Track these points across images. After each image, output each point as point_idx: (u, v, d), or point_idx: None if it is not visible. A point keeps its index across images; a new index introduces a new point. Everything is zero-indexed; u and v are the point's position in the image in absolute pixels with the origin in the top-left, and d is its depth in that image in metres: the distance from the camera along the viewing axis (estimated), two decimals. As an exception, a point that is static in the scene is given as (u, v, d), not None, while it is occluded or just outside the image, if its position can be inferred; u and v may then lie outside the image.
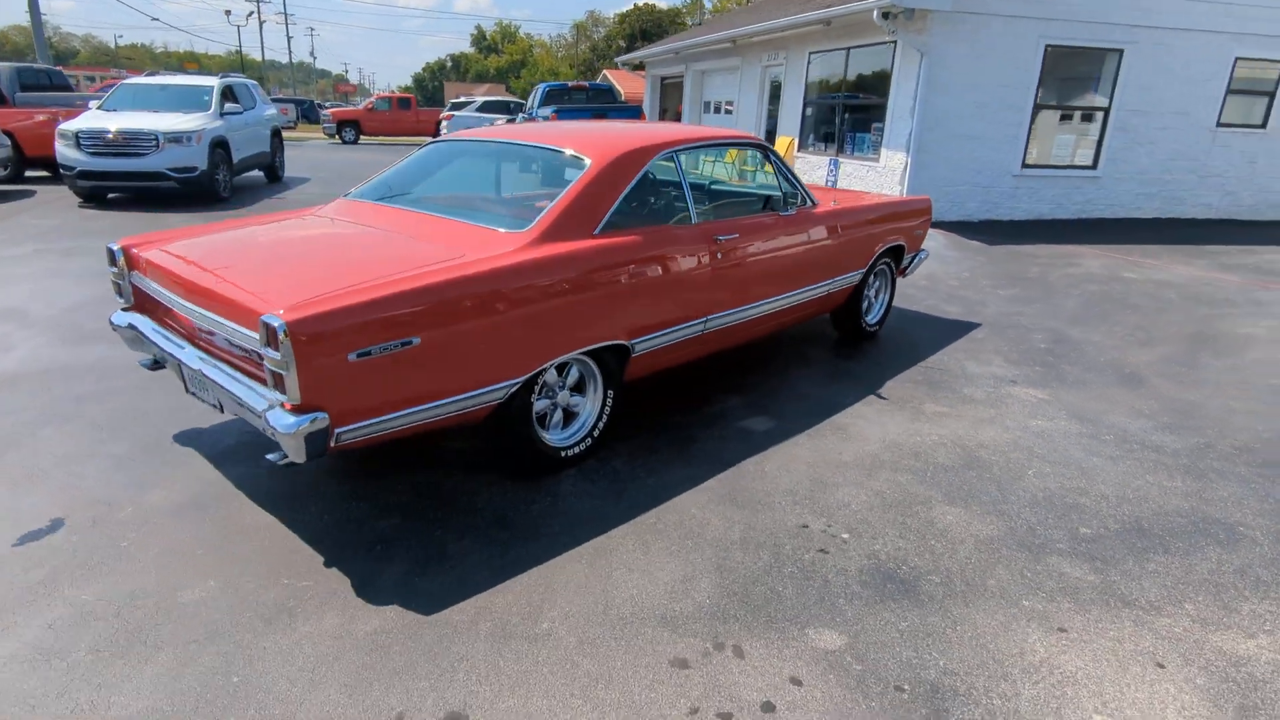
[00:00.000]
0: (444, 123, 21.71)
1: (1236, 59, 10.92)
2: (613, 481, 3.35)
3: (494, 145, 4.18)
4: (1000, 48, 9.84)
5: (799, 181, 4.59)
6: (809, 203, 4.58)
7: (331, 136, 26.34)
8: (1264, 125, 11.54)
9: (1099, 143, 10.82)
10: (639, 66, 20.99)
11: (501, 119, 19.14)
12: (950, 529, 3.07)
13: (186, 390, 3.11)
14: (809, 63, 12.17)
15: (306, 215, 3.84)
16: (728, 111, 15.75)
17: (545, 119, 12.50)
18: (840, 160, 11.57)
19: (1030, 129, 10.36)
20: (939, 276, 7.65)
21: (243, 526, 2.91)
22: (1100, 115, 10.73)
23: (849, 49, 11.17)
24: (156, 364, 3.39)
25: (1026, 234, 10.08)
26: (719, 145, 4.24)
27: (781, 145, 14.09)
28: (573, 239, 3.26)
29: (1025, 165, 10.54)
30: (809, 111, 12.48)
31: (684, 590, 2.63)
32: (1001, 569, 2.82)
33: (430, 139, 4.04)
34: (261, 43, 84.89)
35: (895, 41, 9.90)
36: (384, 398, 2.70)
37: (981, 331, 5.85)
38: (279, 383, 2.48)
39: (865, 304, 5.39)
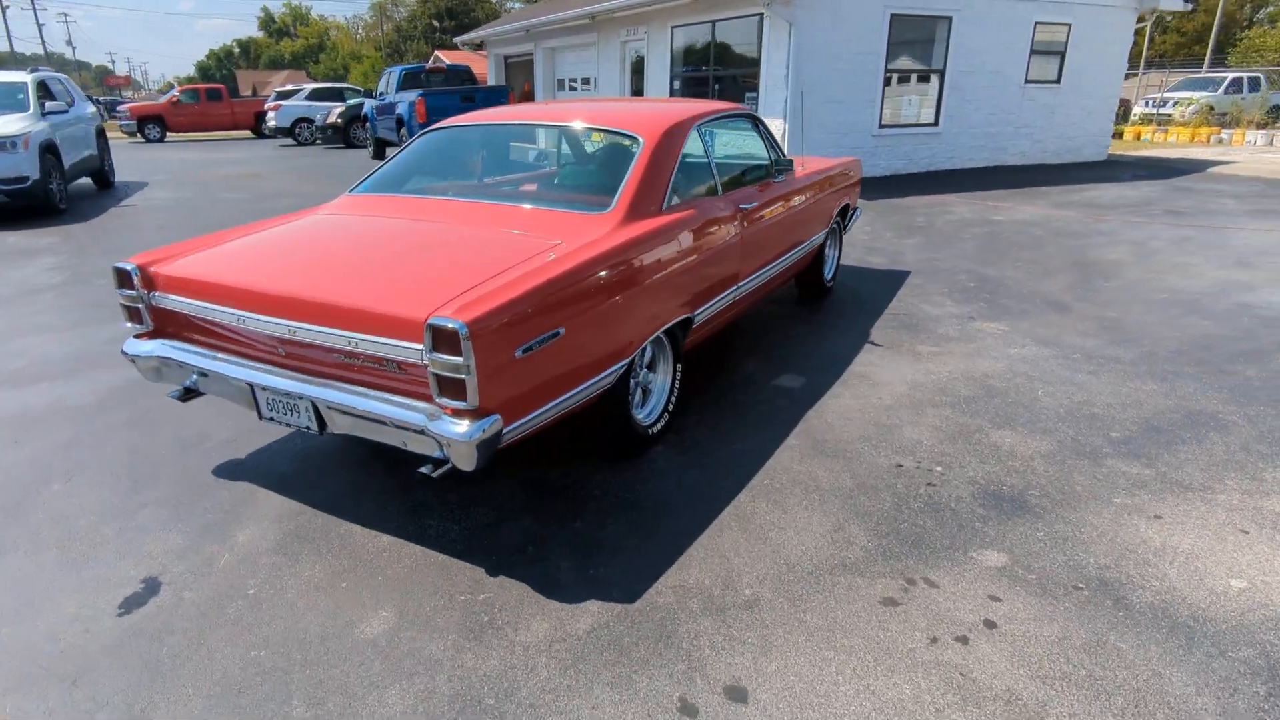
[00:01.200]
0: (271, 114, 19.87)
1: (1036, 23, 12.34)
2: (702, 451, 3.37)
3: (521, 128, 3.99)
4: (855, 17, 10.51)
5: (781, 149, 4.74)
6: (792, 168, 4.75)
7: (132, 135, 23.32)
8: (1058, 81, 13.14)
9: (938, 102, 11.89)
10: (479, 46, 20.29)
11: (339, 106, 17.86)
12: (1014, 449, 3.38)
13: (261, 417, 2.78)
14: (672, 36, 12.36)
15: (334, 214, 3.49)
16: (585, 88, 15.66)
17: (412, 103, 11.84)
18: (716, 130, 11.94)
19: (884, 92, 11.19)
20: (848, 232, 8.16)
21: (369, 551, 2.67)
22: (937, 77, 11.78)
23: (714, 21, 11.47)
24: (190, 393, 2.99)
25: (892, 188, 10.93)
26: (726, 117, 4.29)
27: None
28: (649, 217, 3.21)
29: (882, 125, 11.39)
30: (677, 84, 12.71)
31: (843, 539, 2.74)
32: (1078, 476, 3.16)
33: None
34: (7, 31, 73.14)
35: (762, 13, 10.29)
36: (537, 392, 2.57)
37: (916, 278, 6.34)
38: (450, 389, 2.29)
39: (825, 261, 5.69)
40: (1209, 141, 20.30)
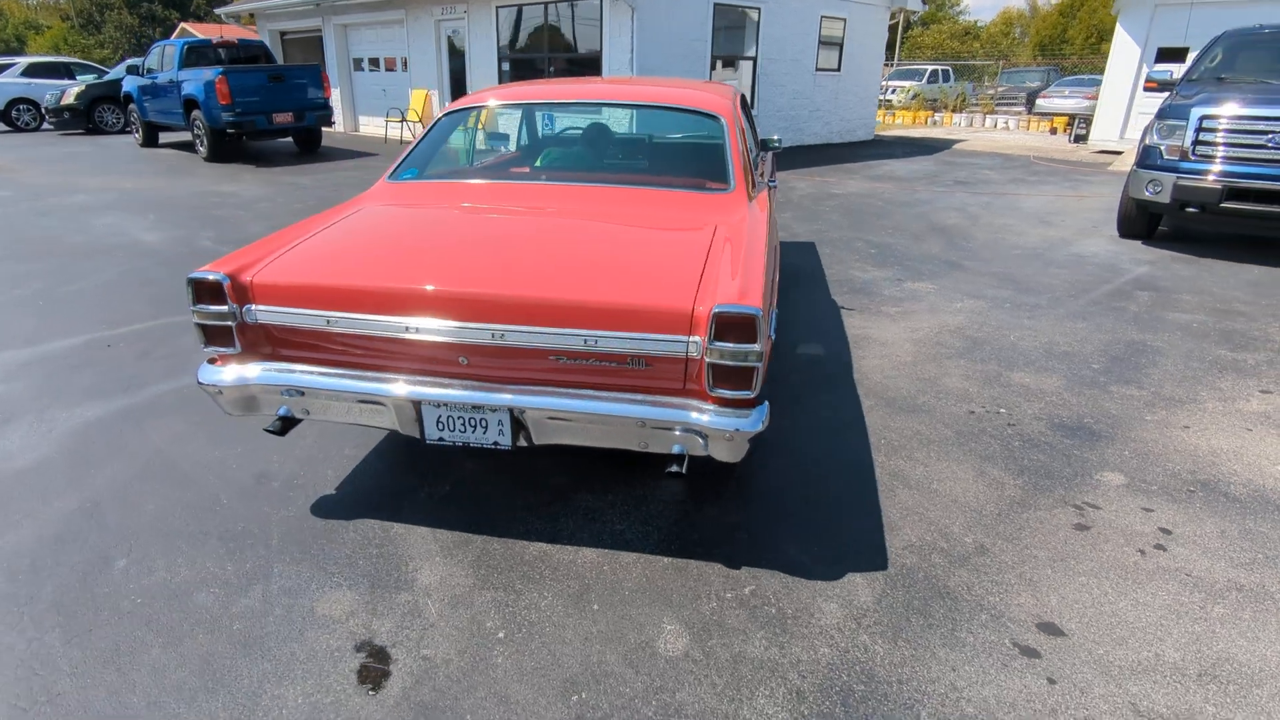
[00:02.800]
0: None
1: (821, 16, 13.55)
2: (795, 419, 3.43)
3: (581, 106, 3.70)
4: (687, 4, 10.83)
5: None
6: (770, 147, 4.88)
7: None
8: (839, 69, 14.57)
9: (753, 87, 12.65)
10: (250, 18, 17.80)
11: (74, 85, 14.80)
12: (1039, 387, 3.84)
13: (426, 439, 2.37)
14: (498, 17, 11.84)
15: (435, 205, 3.06)
16: (390, 71, 14.50)
17: (210, 82, 10.10)
18: (557, 113, 11.72)
19: (710, 77, 11.68)
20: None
21: (584, 568, 2.41)
22: (751, 64, 12.52)
23: (547, 3, 11.17)
24: (288, 422, 2.48)
25: (723, 167, 11.51)
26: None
27: (418, 98, 13.61)
28: (752, 194, 3.17)
29: (711, 108, 11.92)
30: (506, 67, 12.21)
31: (993, 481, 2.96)
32: (1106, 403, 3.67)
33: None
34: None
35: (602, -3, 10.25)
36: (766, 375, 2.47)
37: (823, 248, 6.80)
38: (731, 379, 2.13)
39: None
40: (926, 123, 23.67)
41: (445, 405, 2.32)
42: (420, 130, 14.18)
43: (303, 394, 2.41)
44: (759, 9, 12.11)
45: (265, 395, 2.46)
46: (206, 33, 23.39)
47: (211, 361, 2.49)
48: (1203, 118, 6.57)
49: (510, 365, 2.32)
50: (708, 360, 2.13)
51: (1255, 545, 2.55)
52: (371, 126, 15.80)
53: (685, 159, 3.51)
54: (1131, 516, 2.72)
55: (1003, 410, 3.57)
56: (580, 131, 3.81)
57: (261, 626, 2.13)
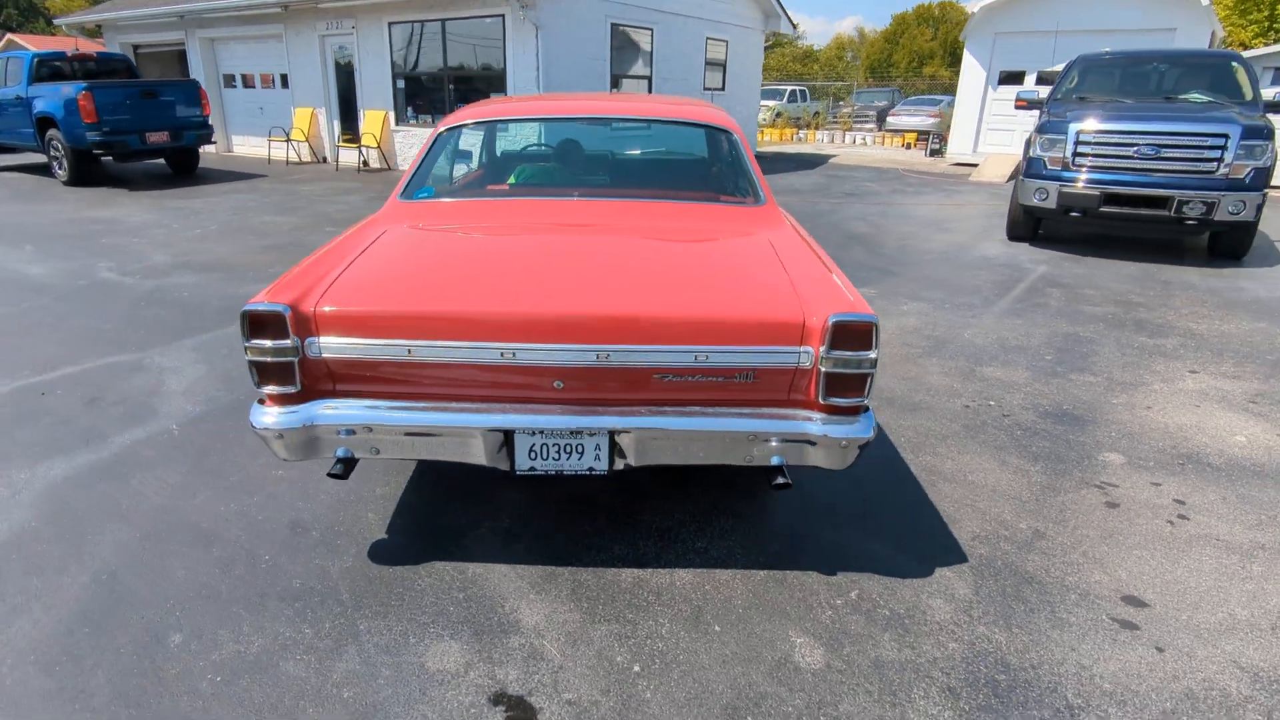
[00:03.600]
0: None
1: (707, 38, 13.97)
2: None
3: (604, 121, 3.60)
4: (587, 23, 10.82)
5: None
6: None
7: None
8: (723, 88, 15.06)
9: (650, 105, 12.85)
10: (97, 29, 16.01)
11: None
12: (1013, 380, 4.10)
13: (516, 470, 2.22)
14: (390, 34, 11.34)
15: (473, 224, 2.90)
16: (267, 88, 13.54)
17: (72, 99, 8.95)
18: (460, 131, 11.40)
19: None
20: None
21: (685, 590, 2.33)
22: (646, 83, 12.69)
23: (445, 20, 10.82)
24: (349, 465, 2.26)
25: (628, 184, 11.59)
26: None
27: (303, 117, 12.98)
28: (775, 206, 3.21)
29: (614, 126, 11.98)
30: (402, 84, 11.70)
31: (1018, 470, 3.13)
32: (1075, 390, 3.97)
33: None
34: None
35: (504, 14, 10.04)
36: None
37: (759, 258, 6.97)
38: (845, 386, 2.14)
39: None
40: (793, 139, 24.91)
41: (542, 432, 2.18)
42: (308, 150, 13.39)
43: (371, 430, 2.20)
44: (651, 30, 12.32)
45: (327, 435, 2.22)
46: (39, 45, 20.96)
47: (263, 402, 2.22)
48: (1079, 132, 7.30)
49: (609, 386, 2.21)
50: (822, 369, 2.12)
51: (1255, 508, 2.84)
52: (247, 146, 14.70)
53: (705, 174, 3.50)
54: (1147, 492, 2.95)
55: (992, 403, 3.78)
56: (589, 147, 3.71)
57: (375, 692, 1.91)
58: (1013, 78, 16.48)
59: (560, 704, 1.88)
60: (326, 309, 2.14)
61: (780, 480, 2.24)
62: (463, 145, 3.55)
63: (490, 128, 3.50)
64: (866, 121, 28.12)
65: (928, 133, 20.03)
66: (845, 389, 2.15)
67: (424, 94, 11.79)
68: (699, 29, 13.65)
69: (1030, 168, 7.61)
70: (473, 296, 2.20)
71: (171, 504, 2.71)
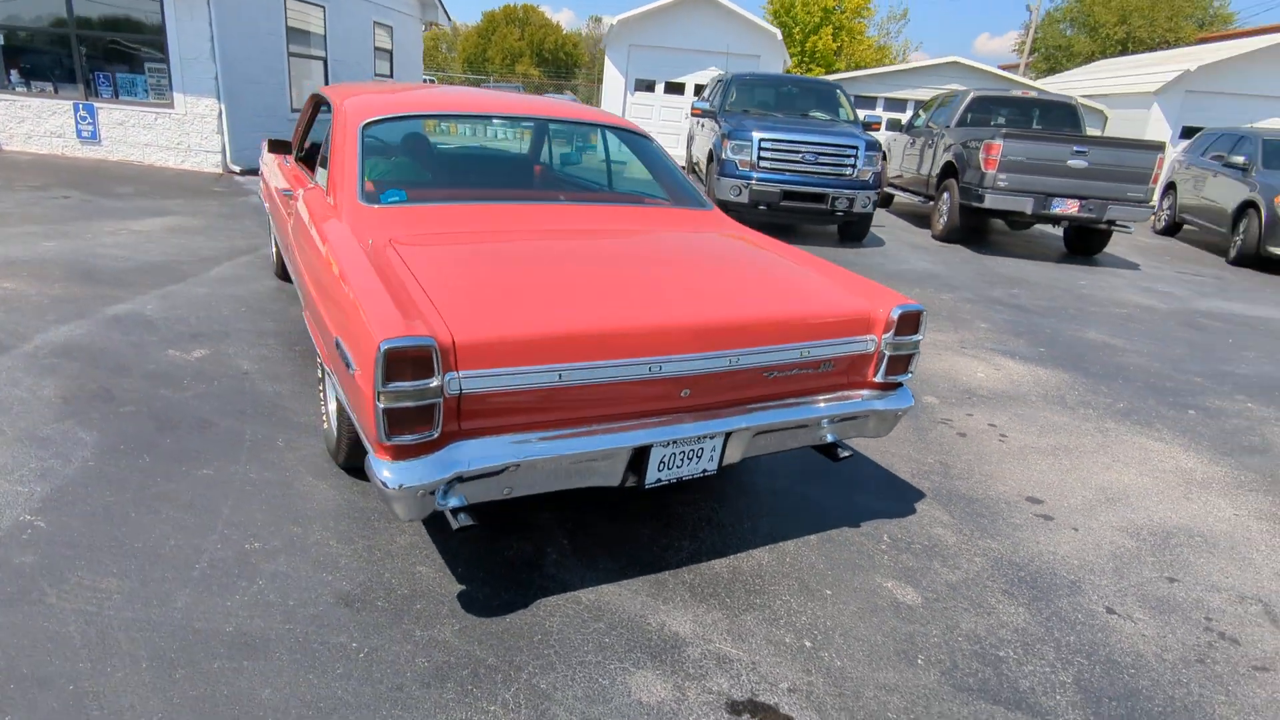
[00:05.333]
0: None
1: (374, 22, 13.00)
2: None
3: (533, 122, 3.29)
4: (254, -7, 9.29)
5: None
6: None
7: None
8: (392, 76, 14.17)
9: (326, 89, 11.53)
10: None
11: None
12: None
13: (645, 485, 2.19)
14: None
15: (472, 234, 2.61)
16: None
17: None
18: (98, 105, 8.79)
19: (289, 74, 10.28)
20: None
21: (755, 575, 2.50)
22: (322, 65, 11.35)
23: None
24: (472, 512, 2.02)
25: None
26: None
27: None
28: (703, 208, 3.42)
29: (294, 109, 10.47)
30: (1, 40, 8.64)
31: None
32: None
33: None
34: None
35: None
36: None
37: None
38: (900, 365, 2.52)
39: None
40: (434, 131, 24.42)
41: (675, 443, 2.16)
42: None
43: (519, 467, 1.95)
44: (323, 8, 11.09)
45: (458, 485, 1.90)
46: None
47: (388, 456, 1.81)
48: (761, 140, 8.67)
49: (725, 389, 2.28)
50: (885, 353, 2.47)
51: (1032, 422, 3.94)
52: None
53: (651, 178, 3.50)
54: (970, 421, 3.89)
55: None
56: (521, 149, 3.44)
57: (621, 738, 1.75)
58: (647, 85, 18.43)
59: (785, 694, 1.96)
60: (471, 338, 1.83)
61: (846, 453, 2.55)
62: (385, 139, 3.06)
63: (415, 123, 3.07)
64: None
65: (574, 130, 21.38)
66: (900, 368, 2.53)
67: (42, 55, 9.03)
68: (367, 12, 12.66)
69: (724, 169, 8.82)
70: (613, 311, 2.08)
71: (173, 619, 1.98)
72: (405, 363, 1.73)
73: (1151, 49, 34.80)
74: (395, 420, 1.77)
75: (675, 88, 18.28)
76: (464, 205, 2.75)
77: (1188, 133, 19.30)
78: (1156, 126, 19.43)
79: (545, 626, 2.11)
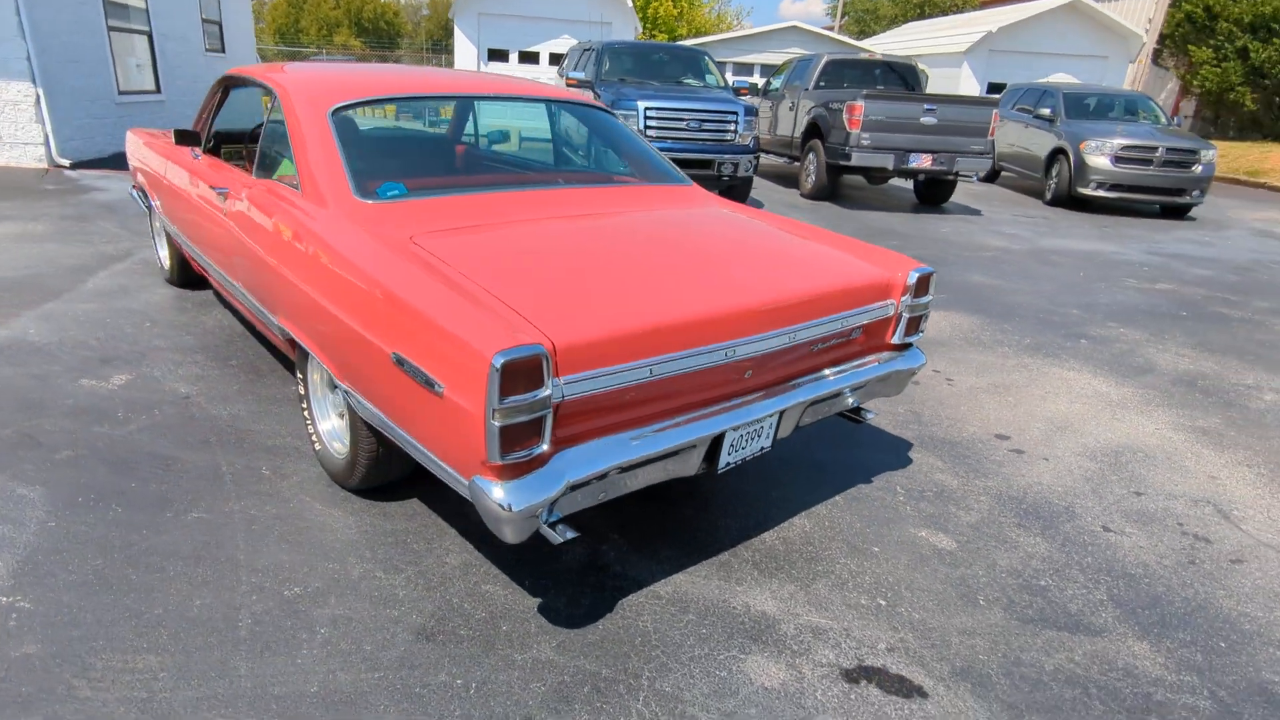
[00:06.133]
0: None
1: (197, -10, 11.55)
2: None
3: (515, 101, 3.08)
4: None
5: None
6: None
7: None
8: (224, 50, 12.69)
9: (154, 66, 10.07)
10: None
11: None
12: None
13: (718, 470, 2.15)
14: None
15: (495, 223, 2.39)
16: None
17: None
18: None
19: (112, 52, 8.88)
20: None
21: (802, 541, 2.55)
22: (146, 40, 9.92)
23: None
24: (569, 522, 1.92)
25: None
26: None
27: None
28: (690, 187, 3.35)
29: (122, 92, 9.09)
30: None
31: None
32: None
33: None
34: None
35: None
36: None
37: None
38: (916, 325, 2.61)
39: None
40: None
41: (745, 425, 2.13)
42: None
43: (621, 470, 1.84)
44: (143, -26, 9.69)
45: (580, 493, 1.79)
46: None
47: (494, 475, 1.64)
48: (646, 109, 8.62)
49: (781, 366, 2.27)
50: (904, 315, 2.55)
51: (961, 364, 4.24)
52: None
53: (629, 156, 3.31)
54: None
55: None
56: (498, 130, 3.14)
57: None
58: (500, 55, 17.75)
59: (886, 655, 2.01)
60: (569, 340, 1.69)
61: (872, 415, 2.63)
62: (351, 127, 2.71)
63: (381, 106, 2.75)
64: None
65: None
66: (914, 328, 2.62)
67: None
68: (189, -21, 11.22)
69: (613, 139, 8.73)
70: (688, 299, 1.99)
71: (244, 689, 1.70)
72: (520, 375, 1.57)
73: (945, 13, 37.88)
74: (509, 438, 1.61)
75: (530, 56, 17.75)
76: (470, 195, 2.52)
77: (993, 88, 21.24)
78: (967, 83, 21.21)
79: (639, 627, 2.04)
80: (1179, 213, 11.14)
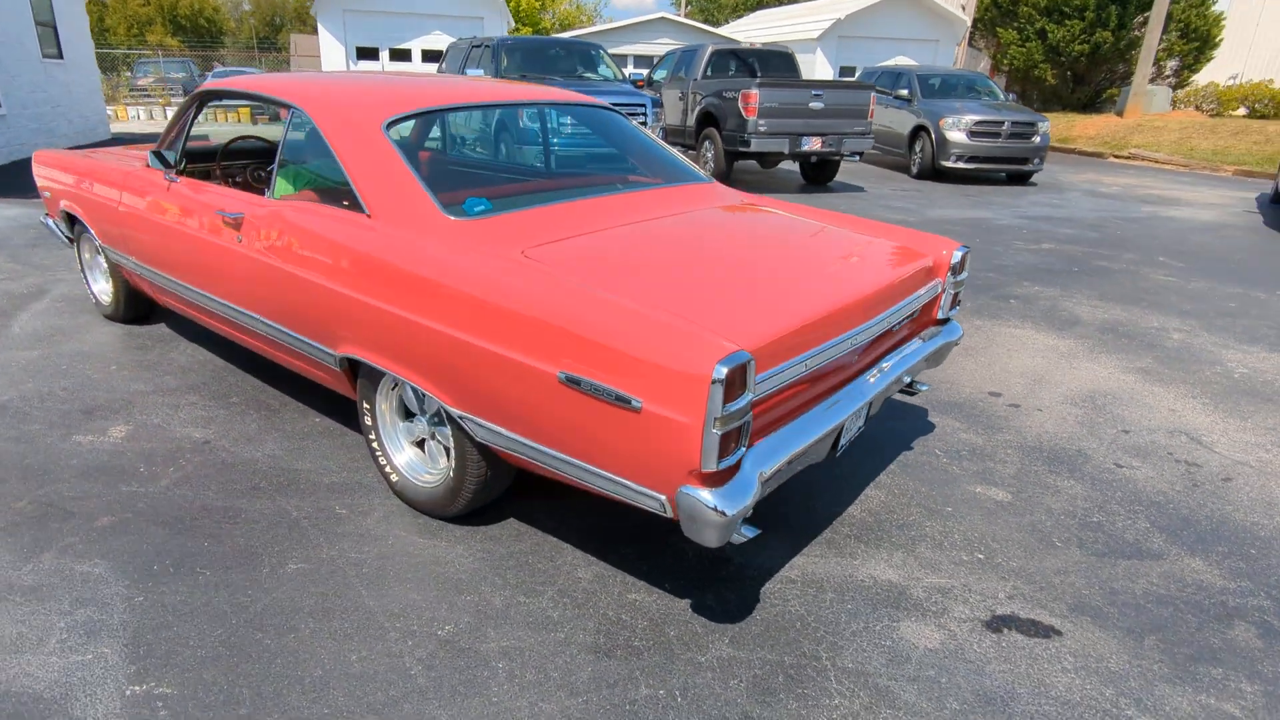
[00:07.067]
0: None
1: (26, -13, 10.09)
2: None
3: (537, 106, 2.96)
4: None
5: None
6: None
7: None
8: (62, 56, 11.19)
9: (-10, 77, 8.73)
10: None
11: None
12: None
13: (837, 453, 2.24)
14: None
15: (595, 231, 2.33)
16: None
17: None
18: None
19: None
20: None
21: (866, 514, 2.70)
22: (-24, 45, 8.57)
23: None
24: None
25: None
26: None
27: None
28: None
29: (-41, 108, 7.82)
30: None
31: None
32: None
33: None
34: None
35: None
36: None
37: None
38: (956, 301, 2.79)
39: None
40: (128, 118, 19.96)
41: (860, 407, 2.22)
42: None
43: (790, 464, 1.88)
44: (-37, -29, 8.36)
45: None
46: None
47: (702, 483, 1.64)
48: (558, 105, 8.51)
49: (875, 351, 2.38)
50: (950, 291, 2.73)
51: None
52: None
53: (651, 157, 3.24)
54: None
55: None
56: (537, 137, 2.99)
57: (946, 688, 1.84)
58: (370, 53, 16.80)
59: (1007, 602, 2.18)
60: (755, 343, 1.71)
61: (924, 387, 2.80)
62: (404, 136, 2.52)
63: (427, 120, 2.58)
64: (175, 94, 24.52)
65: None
66: (955, 303, 2.81)
67: None
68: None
69: (526, 136, 8.56)
70: (816, 293, 2.08)
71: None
72: (735, 382, 1.58)
73: (782, 2, 39.72)
74: (724, 444, 1.61)
75: (401, 54, 16.92)
76: (550, 206, 2.42)
77: (844, 72, 22.52)
78: (821, 67, 22.34)
79: (792, 612, 2.09)
80: (1023, 179, 12.35)
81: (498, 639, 1.94)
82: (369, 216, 2.29)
